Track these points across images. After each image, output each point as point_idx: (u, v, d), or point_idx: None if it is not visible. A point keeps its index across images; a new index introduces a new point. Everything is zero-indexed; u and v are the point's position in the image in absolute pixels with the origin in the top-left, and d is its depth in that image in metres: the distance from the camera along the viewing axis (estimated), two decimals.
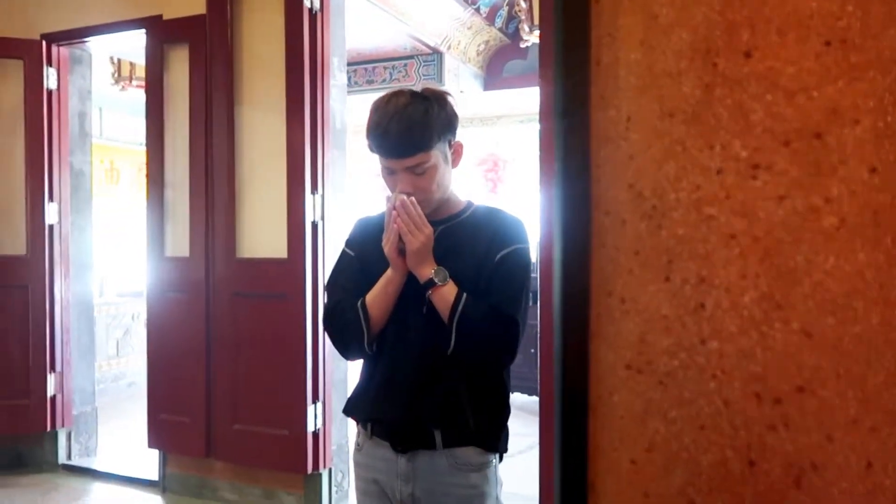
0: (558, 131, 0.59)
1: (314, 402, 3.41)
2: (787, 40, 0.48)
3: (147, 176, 3.86)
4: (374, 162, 1.60)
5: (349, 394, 1.77)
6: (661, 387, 0.53)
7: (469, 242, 1.61)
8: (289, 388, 3.39)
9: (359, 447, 1.72)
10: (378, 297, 1.59)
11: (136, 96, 5.69)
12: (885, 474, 0.46)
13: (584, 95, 0.57)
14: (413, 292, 1.57)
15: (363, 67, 6.65)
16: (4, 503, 3.75)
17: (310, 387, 3.38)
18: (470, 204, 1.71)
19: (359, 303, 1.60)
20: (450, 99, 1.61)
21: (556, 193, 0.59)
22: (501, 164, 9.75)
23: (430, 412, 1.57)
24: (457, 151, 1.63)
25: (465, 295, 1.52)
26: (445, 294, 1.52)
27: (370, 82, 6.73)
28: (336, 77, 3.58)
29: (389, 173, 1.58)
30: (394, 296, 1.58)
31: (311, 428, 3.39)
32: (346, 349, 1.68)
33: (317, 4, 3.43)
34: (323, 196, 3.45)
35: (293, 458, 3.41)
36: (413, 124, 1.50)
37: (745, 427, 0.49)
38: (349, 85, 6.40)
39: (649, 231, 0.54)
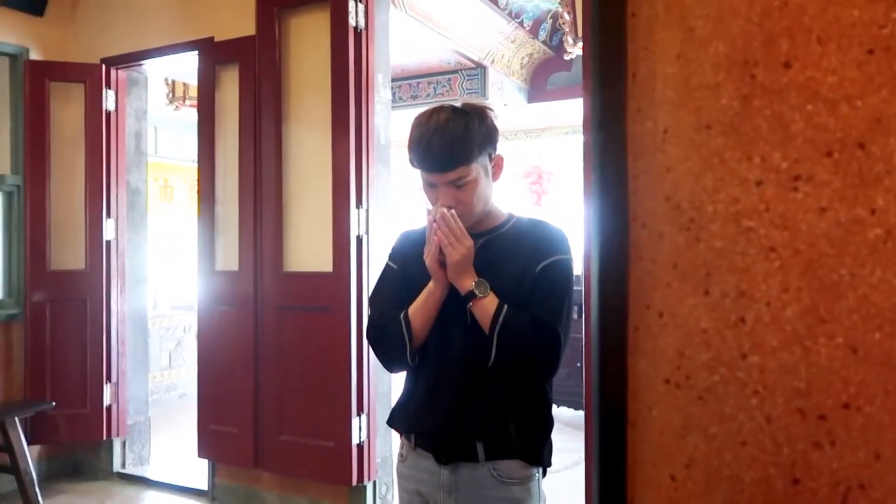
0: (595, 143, 0.59)
1: (359, 414, 3.43)
2: (828, 49, 0.47)
3: (199, 192, 3.97)
4: (418, 176, 1.61)
5: (393, 406, 1.78)
6: (700, 402, 0.52)
7: (510, 254, 1.61)
8: (334, 400, 3.42)
9: (402, 458, 1.73)
10: (420, 309, 1.60)
11: (190, 116, 5.88)
12: None
13: (621, 108, 0.57)
14: (455, 305, 1.57)
15: (407, 83, 6.73)
16: None
17: (354, 399, 3.41)
18: (511, 216, 1.71)
19: (401, 315, 1.61)
20: (490, 113, 1.61)
21: (594, 205, 0.59)
22: (546, 177, 9.71)
23: (473, 424, 1.57)
24: (497, 165, 1.64)
25: (505, 306, 1.51)
26: (486, 306, 1.52)
27: (414, 97, 6.79)
28: (380, 93, 3.64)
29: (431, 187, 1.60)
30: (435, 308, 1.60)
31: (355, 440, 3.41)
32: (390, 361, 1.69)
33: (362, 23, 3.49)
34: (367, 210, 3.49)
35: (338, 469, 3.43)
36: (454, 139, 1.51)
37: (788, 444, 0.48)
38: (393, 101, 6.49)
39: (687, 244, 0.53)
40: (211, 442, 3.88)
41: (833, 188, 0.47)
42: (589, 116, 0.60)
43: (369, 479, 3.50)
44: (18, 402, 4.11)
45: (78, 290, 4.25)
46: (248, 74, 3.73)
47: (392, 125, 3.80)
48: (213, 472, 3.98)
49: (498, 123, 1.64)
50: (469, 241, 1.53)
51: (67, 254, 4.28)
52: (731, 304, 0.51)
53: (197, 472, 4.13)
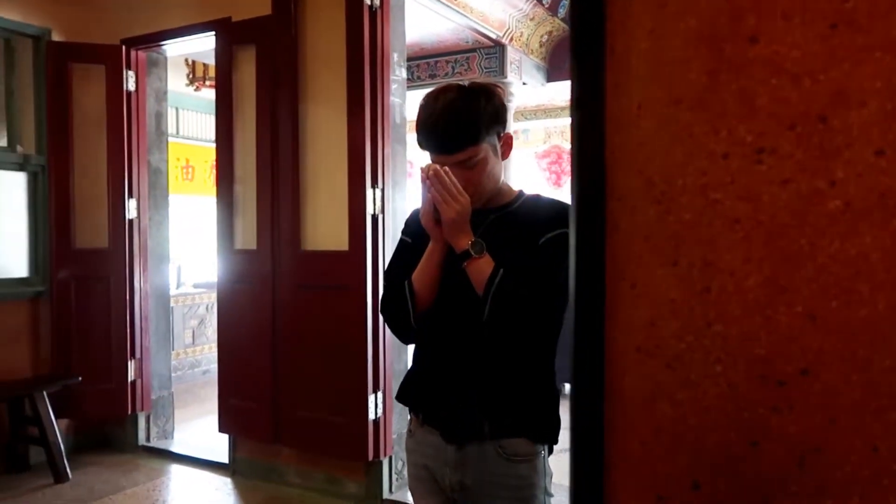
0: (575, 120, 0.60)
1: (374, 391, 3.49)
2: (792, 24, 0.48)
3: (217, 172, 4.03)
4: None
5: (402, 380, 1.80)
6: (668, 370, 0.54)
7: (521, 231, 1.61)
8: (350, 376, 3.48)
9: (411, 433, 1.75)
10: (422, 270, 1.61)
11: (210, 96, 5.93)
12: (891, 458, 0.46)
13: (601, 84, 0.58)
14: (458, 280, 1.57)
15: (425, 62, 6.70)
16: (93, 480, 3.99)
17: (370, 376, 3.46)
18: (521, 193, 1.71)
19: (406, 281, 1.63)
20: (497, 91, 1.61)
21: (574, 180, 0.61)
22: (565, 156, 9.65)
23: (478, 402, 1.58)
24: (506, 143, 1.63)
25: (501, 269, 1.50)
26: (482, 266, 1.51)
27: (433, 76, 6.77)
28: (396, 72, 3.64)
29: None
30: (437, 268, 1.60)
31: (371, 416, 3.47)
32: (398, 328, 1.70)
33: (377, 1, 3.49)
34: (383, 189, 3.52)
35: (354, 445, 3.50)
36: (461, 119, 1.50)
37: (748, 409, 0.50)
38: (412, 79, 6.48)
39: (658, 216, 0.54)
40: (231, 417, 3.97)
41: (795, 160, 0.48)
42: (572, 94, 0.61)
43: (385, 455, 3.56)
44: (45, 377, 4.23)
45: (102, 267, 4.34)
46: (264, 54, 3.76)
47: (409, 104, 3.81)
48: (233, 447, 4.08)
49: (508, 102, 1.64)
50: (465, 198, 1.51)
51: (91, 232, 4.38)
52: (697, 275, 0.52)
53: (218, 446, 4.24)
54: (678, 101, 0.53)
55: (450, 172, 1.51)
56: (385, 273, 1.84)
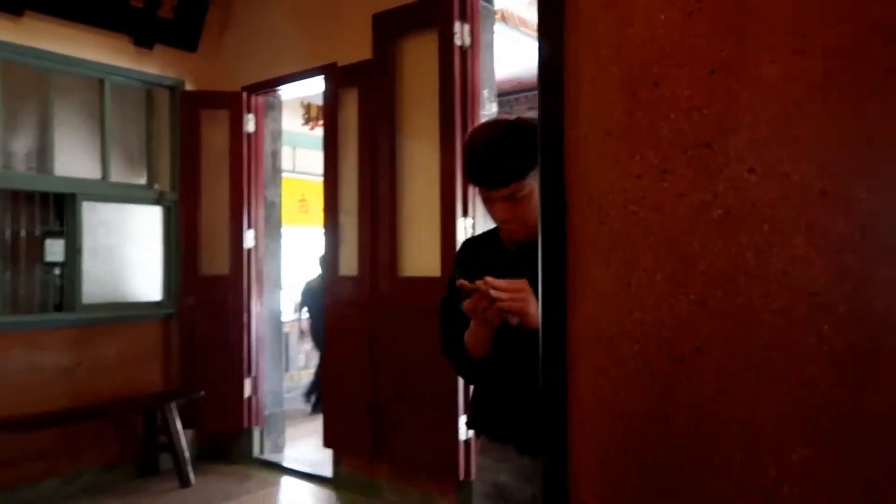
0: (543, 147, 0.74)
1: (465, 412, 3.62)
2: (683, 71, 0.60)
3: (324, 203, 4.36)
4: None
5: (470, 406, 1.84)
6: (605, 351, 0.66)
7: None
8: (442, 397, 3.64)
9: (483, 450, 1.76)
10: (475, 338, 1.64)
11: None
12: (768, 421, 0.55)
13: (560, 121, 0.72)
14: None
15: (524, 95, 6.88)
16: (212, 487, 4.36)
17: (461, 397, 3.60)
18: None
19: (461, 345, 1.67)
20: None
21: (542, 200, 0.75)
22: None
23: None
24: None
25: None
26: None
27: (532, 109, 6.93)
28: (486, 107, 3.83)
29: (487, 201, 1.61)
30: (489, 339, 1.62)
31: (462, 437, 3.60)
32: (463, 376, 1.82)
33: (467, 42, 3.71)
34: (473, 218, 3.69)
35: (446, 465, 3.64)
36: (508, 154, 1.52)
37: (658, 382, 0.61)
38: (509, 112, 6.65)
39: (597, 226, 0.67)
40: (335, 434, 4.23)
41: (688, 178, 0.59)
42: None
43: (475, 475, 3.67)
44: (174, 391, 4.69)
45: (222, 292, 4.78)
46: (365, 95, 4.07)
47: None
48: (336, 462, 4.33)
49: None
50: (521, 282, 1.48)
51: (214, 260, 4.84)
52: (623, 273, 0.64)
53: (324, 462, 4.50)
54: (609, 133, 0.66)
55: (492, 282, 1.46)
56: (441, 309, 1.83)
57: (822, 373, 0.53)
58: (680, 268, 0.60)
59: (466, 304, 1.50)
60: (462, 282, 1.47)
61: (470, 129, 3.70)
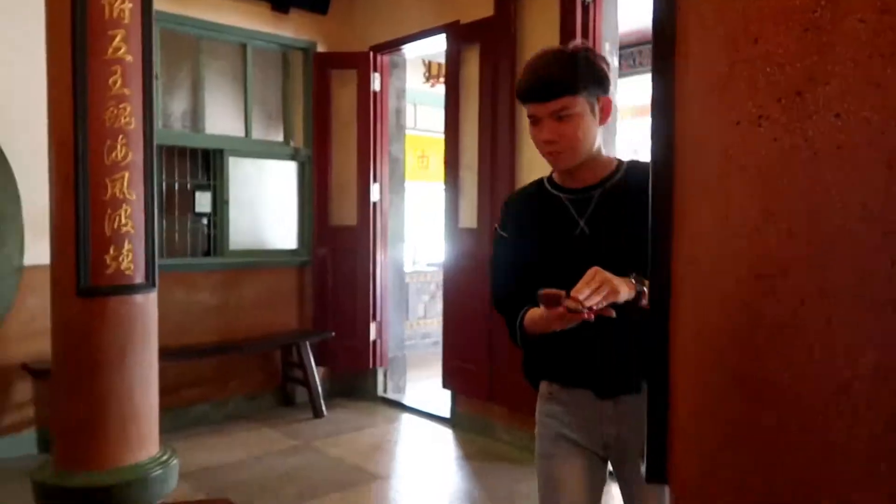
0: (655, 98, 0.85)
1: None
2: (779, 29, 0.68)
3: (445, 159, 4.54)
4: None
5: (530, 357, 1.82)
6: (703, 278, 0.77)
7: (635, 199, 1.54)
8: None
9: (552, 397, 1.74)
10: (536, 325, 1.60)
11: (444, 92, 6.55)
12: (840, 329, 0.65)
13: (672, 75, 0.82)
14: (586, 257, 1.53)
15: (647, 48, 6.68)
16: (341, 419, 4.77)
17: None
18: (620, 161, 1.69)
19: (519, 319, 1.66)
20: (599, 57, 1.61)
21: (657, 145, 0.86)
22: None
23: (631, 359, 1.61)
24: (605, 108, 1.60)
25: None
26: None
27: None
28: (607, 61, 3.81)
29: (534, 123, 1.58)
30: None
31: None
32: (511, 337, 1.77)
33: None
34: None
35: None
36: (559, 68, 1.52)
37: (748, 301, 0.71)
38: (632, 66, 6.50)
39: (700, 169, 0.77)
40: (453, 376, 4.49)
41: (781, 124, 0.68)
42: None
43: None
44: (308, 331, 5.12)
45: (350, 242, 5.12)
46: (487, 51, 4.17)
47: (624, 92, 3.96)
48: (454, 402, 4.59)
49: (609, 72, 1.62)
50: (601, 273, 1.43)
51: (343, 212, 5.18)
52: (721, 209, 0.74)
53: (442, 404, 4.79)
54: (712, 85, 0.75)
55: (576, 297, 1.38)
56: (491, 266, 1.82)
57: (890, 288, 0.62)
58: (771, 203, 0.69)
59: (552, 314, 1.42)
60: (546, 291, 1.40)
61: None
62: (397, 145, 5.28)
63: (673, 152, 0.83)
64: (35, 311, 4.01)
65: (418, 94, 7.39)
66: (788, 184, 0.69)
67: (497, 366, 4.12)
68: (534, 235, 1.69)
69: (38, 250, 3.96)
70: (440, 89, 7.18)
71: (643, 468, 1.07)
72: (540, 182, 1.77)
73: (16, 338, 3.98)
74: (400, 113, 5.28)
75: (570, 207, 1.66)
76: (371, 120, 5.04)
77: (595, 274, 1.43)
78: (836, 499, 0.66)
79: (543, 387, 1.78)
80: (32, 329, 4.01)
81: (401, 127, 5.30)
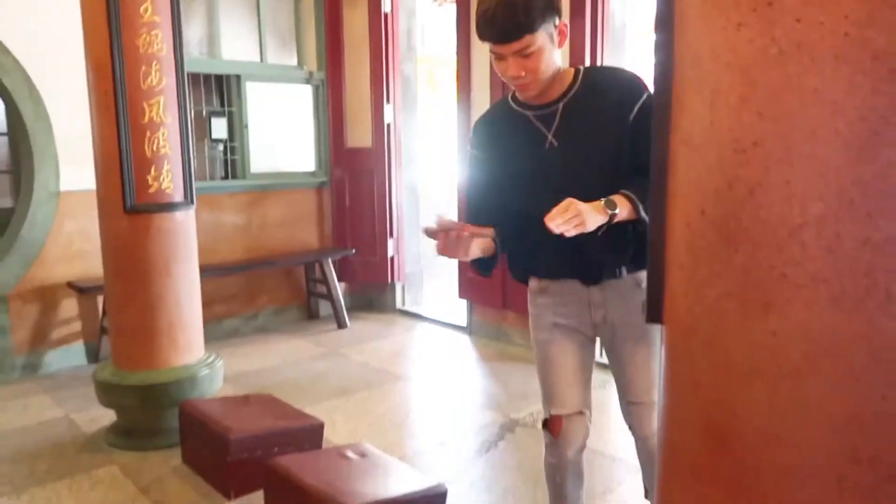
0: (659, 14, 1.03)
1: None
2: None
3: (457, 81, 4.66)
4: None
5: (511, 258, 1.96)
6: (693, 150, 0.97)
7: (595, 107, 1.68)
8: None
9: (542, 292, 1.90)
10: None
11: (453, 12, 6.55)
12: (798, 185, 0.86)
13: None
14: (556, 168, 1.69)
15: None
16: (363, 329, 5.08)
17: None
18: (577, 69, 1.76)
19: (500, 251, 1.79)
20: None
21: (659, 53, 1.05)
22: None
23: (611, 249, 1.74)
24: (562, 32, 1.67)
25: (633, 196, 1.61)
26: (626, 213, 1.62)
27: None
28: None
29: (499, 59, 1.64)
30: (491, 249, 1.78)
31: None
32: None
33: None
34: None
35: None
36: (517, 9, 1.55)
37: (727, 165, 0.92)
38: None
39: (694, 69, 0.96)
40: (468, 287, 4.76)
41: (755, 29, 0.87)
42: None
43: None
44: (329, 248, 5.38)
45: (366, 163, 5.30)
46: None
47: (630, 10, 4.03)
48: (470, 312, 4.88)
49: None
50: (571, 202, 1.54)
51: (358, 134, 5.34)
52: (709, 98, 0.94)
53: (458, 313, 5.08)
54: (703, 3, 0.94)
55: (553, 217, 1.52)
56: (467, 189, 1.93)
57: (835, 153, 0.82)
58: (746, 90, 0.89)
59: (442, 249, 1.57)
60: (426, 227, 1.56)
61: (599, 0, 3.80)
62: (409, 65, 5.38)
63: (672, 58, 1.02)
64: (73, 234, 4.26)
65: (427, 15, 7.38)
66: (760, 75, 0.88)
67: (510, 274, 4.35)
68: (506, 154, 1.80)
69: (71, 177, 4.18)
70: (449, 9, 7.17)
71: (643, 319, 1.29)
72: (505, 101, 1.85)
73: (58, 259, 4.25)
74: (410, 33, 5.35)
75: (537, 123, 1.76)
76: (383, 41, 5.13)
77: (570, 205, 1.53)
78: (785, 301, 0.88)
79: (533, 282, 1.95)
80: (72, 251, 4.27)
81: (412, 48, 5.38)
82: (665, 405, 1.05)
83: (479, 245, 1.74)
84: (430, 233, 1.57)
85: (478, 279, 4.60)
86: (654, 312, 1.11)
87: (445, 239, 1.57)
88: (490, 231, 1.71)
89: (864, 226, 0.84)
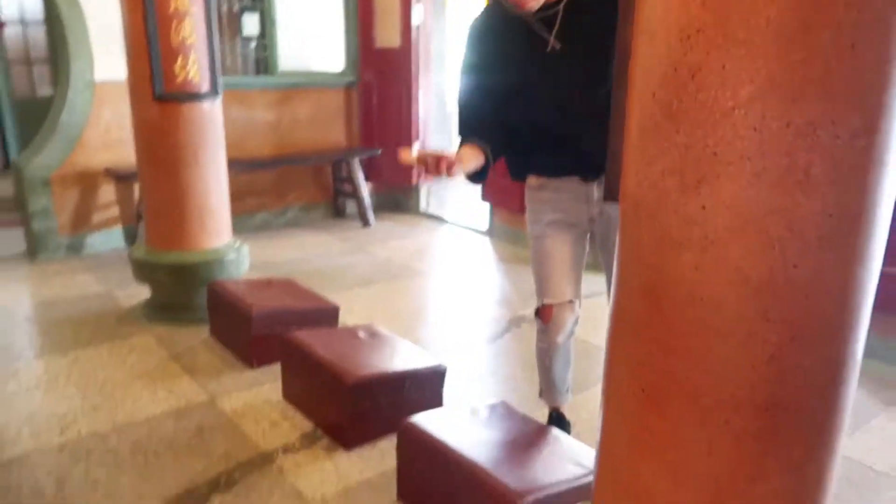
0: None
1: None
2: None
3: None
4: None
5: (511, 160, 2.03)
6: (650, 42, 1.05)
7: (594, 6, 1.65)
8: None
9: (542, 186, 1.96)
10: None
11: None
12: (731, 73, 0.94)
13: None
14: (551, 71, 1.69)
15: None
16: (388, 228, 5.25)
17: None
18: None
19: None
20: None
21: None
22: None
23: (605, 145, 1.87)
24: None
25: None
26: None
27: None
28: None
29: None
30: (480, 156, 1.82)
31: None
32: None
33: None
34: None
35: None
36: None
37: (674, 54, 1.00)
38: None
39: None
40: (490, 190, 4.85)
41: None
42: None
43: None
44: (356, 148, 5.49)
45: (394, 64, 5.31)
46: None
47: None
48: (491, 215, 5.00)
49: None
50: (445, 157, 1.68)
51: (387, 35, 5.32)
52: (664, 2, 1.01)
53: (480, 219, 5.20)
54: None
55: (422, 155, 1.68)
56: (460, 101, 1.92)
57: (766, 40, 0.90)
58: (704, 60, 0.95)
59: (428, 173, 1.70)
60: (410, 157, 1.70)
61: None
62: None
63: None
64: (109, 123, 4.44)
65: None
66: (703, 54, 0.94)
67: None
68: (503, 60, 1.80)
69: (105, 66, 4.30)
70: None
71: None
72: (497, 5, 1.82)
73: (96, 147, 4.44)
74: None
75: (536, 27, 1.74)
76: None
77: (444, 156, 1.66)
78: (715, 176, 0.98)
79: (532, 179, 2.01)
80: (109, 139, 4.45)
81: None
82: (616, 273, 1.18)
83: (469, 159, 1.79)
84: (409, 163, 1.66)
85: (499, 182, 4.68)
86: (612, 191, 1.22)
87: (426, 166, 1.67)
88: (461, 155, 1.77)
89: (788, 109, 0.92)
